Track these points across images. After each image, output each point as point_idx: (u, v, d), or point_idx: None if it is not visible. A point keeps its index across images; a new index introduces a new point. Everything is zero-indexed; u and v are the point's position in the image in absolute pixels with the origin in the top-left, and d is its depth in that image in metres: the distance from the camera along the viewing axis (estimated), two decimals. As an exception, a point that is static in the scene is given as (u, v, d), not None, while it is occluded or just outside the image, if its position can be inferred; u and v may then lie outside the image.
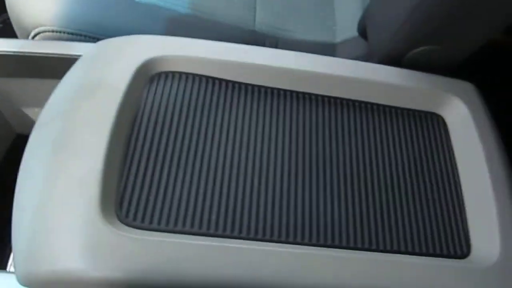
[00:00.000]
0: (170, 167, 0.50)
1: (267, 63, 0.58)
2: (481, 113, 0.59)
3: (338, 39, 0.86)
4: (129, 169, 0.49)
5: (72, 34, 0.72)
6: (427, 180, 0.56)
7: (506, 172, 0.55)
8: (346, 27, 0.86)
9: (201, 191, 0.50)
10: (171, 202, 0.48)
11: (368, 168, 0.55)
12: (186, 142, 0.52)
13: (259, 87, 0.58)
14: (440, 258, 0.51)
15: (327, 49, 0.85)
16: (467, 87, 0.61)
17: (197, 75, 0.56)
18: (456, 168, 0.57)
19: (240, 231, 0.48)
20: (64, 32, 0.71)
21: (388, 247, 0.51)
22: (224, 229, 0.48)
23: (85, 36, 0.72)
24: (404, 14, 0.59)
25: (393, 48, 0.62)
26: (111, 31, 0.70)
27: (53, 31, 0.71)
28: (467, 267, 0.50)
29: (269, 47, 0.81)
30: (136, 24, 0.76)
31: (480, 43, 0.61)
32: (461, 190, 0.56)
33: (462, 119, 0.59)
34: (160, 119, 0.53)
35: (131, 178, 0.49)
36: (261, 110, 0.56)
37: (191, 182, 0.50)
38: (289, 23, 0.86)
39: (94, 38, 0.72)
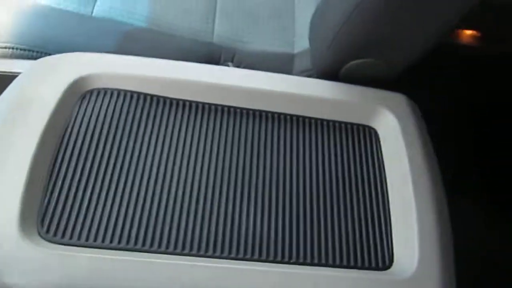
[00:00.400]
0: (94, 183, 0.52)
1: (199, 79, 0.59)
2: (410, 125, 0.59)
3: (297, 50, 0.87)
4: (54, 185, 0.51)
5: (25, 50, 0.74)
6: (355, 193, 0.56)
7: (430, 184, 0.56)
8: (304, 38, 0.87)
9: (124, 206, 0.51)
10: (93, 218, 0.50)
11: (295, 181, 0.56)
12: (113, 158, 0.53)
13: (191, 102, 0.59)
14: (363, 271, 0.52)
15: (285, 59, 0.86)
16: (399, 99, 0.62)
17: (129, 91, 0.58)
18: (385, 180, 0.58)
19: (159, 246, 0.50)
20: (17, 49, 0.73)
21: (309, 260, 0.51)
22: (143, 243, 0.49)
23: (38, 52, 0.74)
24: (337, 29, 0.59)
25: (329, 61, 0.63)
26: (66, 48, 0.71)
27: (5, 48, 0.72)
28: (387, 279, 0.51)
29: (225, 59, 0.83)
30: (92, 40, 0.78)
31: (416, 57, 0.62)
32: (388, 202, 0.56)
33: (392, 131, 0.59)
34: (89, 136, 0.54)
35: (55, 194, 0.50)
36: (190, 125, 0.57)
37: (114, 198, 0.51)
38: (248, 34, 0.87)
39: (48, 55, 0.74)
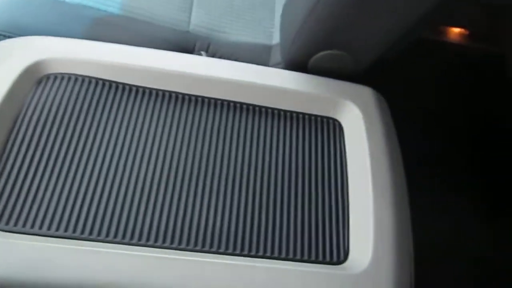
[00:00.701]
0: (44, 170, 0.50)
1: (162, 66, 0.58)
2: (375, 118, 0.58)
3: (275, 41, 0.85)
4: (2, 171, 0.50)
5: (-5, 34, 0.72)
6: (314, 185, 0.55)
7: (390, 178, 0.54)
8: None
9: (73, 194, 0.50)
10: (40, 205, 0.49)
11: (253, 172, 0.55)
12: (65, 145, 0.52)
13: (151, 89, 0.58)
14: (316, 264, 0.51)
15: (261, 50, 0.84)
16: (365, 91, 0.60)
17: (87, 77, 0.57)
18: (346, 174, 0.56)
19: (107, 235, 0.48)
20: (-16, 32, 0.72)
21: (261, 253, 0.50)
22: (91, 232, 0.48)
23: (6, 36, 0.73)
24: (304, 18, 0.58)
25: (297, 52, 0.62)
26: (37, 33, 0.70)
27: (-29, 31, 0.71)
28: (339, 274, 0.50)
29: (200, 48, 0.82)
30: (64, 26, 0.76)
31: (382, 51, 0.60)
32: (348, 195, 0.55)
33: (356, 124, 0.58)
34: (42, 121, 0.53)
35: (2, 180, 0.49)
36: (148, 113, 0.56)
37: (63, 185, 0.50)
38: (226, 24, 0.86)
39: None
